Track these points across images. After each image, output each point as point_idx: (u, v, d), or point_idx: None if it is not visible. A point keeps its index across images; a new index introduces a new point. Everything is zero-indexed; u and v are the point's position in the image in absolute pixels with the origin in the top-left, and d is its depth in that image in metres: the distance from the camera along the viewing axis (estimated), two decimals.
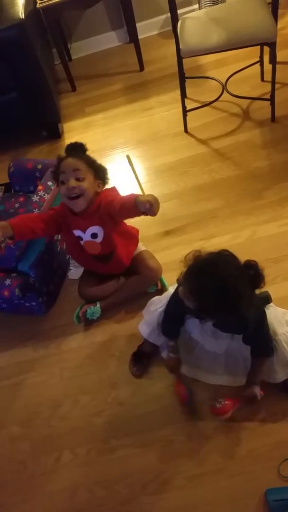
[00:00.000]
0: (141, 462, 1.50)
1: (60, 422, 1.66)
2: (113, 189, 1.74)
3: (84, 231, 1.72)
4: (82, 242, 1.76)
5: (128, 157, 1.63)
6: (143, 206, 1.41)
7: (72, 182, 1.60)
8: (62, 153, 1.72)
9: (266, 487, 1.35)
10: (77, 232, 1.74)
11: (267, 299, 1.42)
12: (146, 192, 1.55)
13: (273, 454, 1.41)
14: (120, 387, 1.68)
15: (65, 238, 1.86)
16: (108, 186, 1.76)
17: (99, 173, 1.70)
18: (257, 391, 1.42)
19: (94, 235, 1.72)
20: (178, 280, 1.34)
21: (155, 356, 1.69)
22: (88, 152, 1.75)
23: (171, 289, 1.58)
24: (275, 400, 1.49)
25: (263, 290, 1.35)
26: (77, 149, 1.70)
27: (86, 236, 1.73)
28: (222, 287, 1.17)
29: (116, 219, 1.68)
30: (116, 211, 1.60)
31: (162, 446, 1.51)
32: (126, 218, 1.76)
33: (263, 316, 1.37)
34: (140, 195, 1.49)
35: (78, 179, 1.61)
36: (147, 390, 1.64)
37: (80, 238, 1.75)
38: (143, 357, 1.69)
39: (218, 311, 1.24)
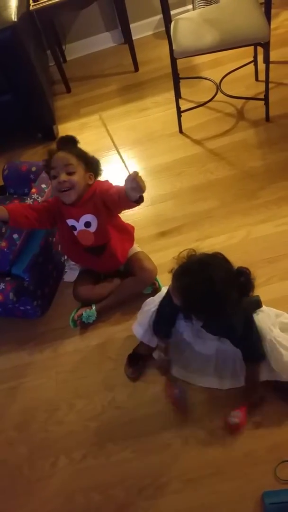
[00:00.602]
0: (138, 466, 1.49)
1: (57, 426, 1.65)
2: (106, 181, 1.76)
3: (77, 220, 1.72)
4: (76, 233, 1.76)
5: (100, 115, 1.65)
6: (131, 186, 1.43)
7: (63, 177, 1.62)
8: None
9: (263, 490, 1.34)
10: (70, 222, 1.74)
11: (257, 303, 1.42)
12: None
13: (269, 456, 1.40)
14: (116, 390, 1.67)
15: (59, 229, 1.85)
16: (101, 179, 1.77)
17: (91, 165, 1.70)
18: (260, 392, 1.41)
19: (87, 224, 1.72)
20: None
21: (150, 359, 1.68)
22: None
23: (164, 289, 1.58)
24: (271, 403, 1.48)
25: (256, 294, 1.34)
26: (68, 142, 1.69)
27: (80, 225, 1.73)
28: (209, 288, 1.17)
29: (111, 208, 1.69)
30: (113, 200, 1.61)
31: (159, 450, 1.50)
32: (122, 209, 1.74)
33: (250, 321, 1.37)
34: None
35: (69, 173, 1.63)
36: (144, 394, 1.63)
37: (73, 228, 1.74)
38: (138, 359, 1.68)
39: (202, 312, 1.25)
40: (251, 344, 1.37)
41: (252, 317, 1.36)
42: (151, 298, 1.66)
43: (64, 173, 1.62)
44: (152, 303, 1.60)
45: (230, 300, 1.20)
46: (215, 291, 1.17)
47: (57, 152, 1.65)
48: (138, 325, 1.63)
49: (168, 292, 1.45)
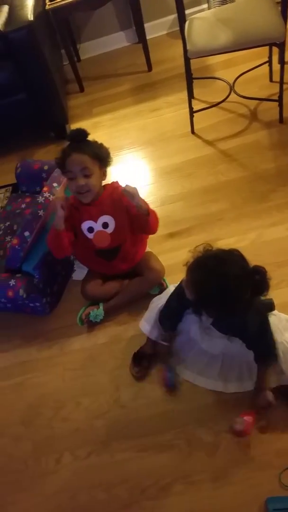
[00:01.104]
0: (141, 466, 1.49)
1: (62, 423, 1.66)
2: (117, 182, 1.80)
3: (96, 220, 1.74)
4: (92, 235, 1.76)
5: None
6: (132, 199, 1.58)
7: (81, 181, 1.63)
8: None
9: (267, 495, 1.33)
10: (88, 224, 1.74)
11: (271, 306, 1.40)
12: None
13: (274, 462, 1.39)
14: (122, 389, 1.68)
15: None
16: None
17: (104, 160, 1.69)
18: (270, 396, 1.39)
19: (105, 225, 1.74)
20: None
21: (156, 358, 1.69)
22: None
23: (171, 287, 1.59)
24: (278, 408, 1.46)
25: (268, 297, 1.33)
26: (80, 138, 1.65)
27: (98, 226, 1.74)
28: (223, 285, 1.17)
29: (133, 220, 1.74)
30: (133, 212, 1.68)
31: (163, 451, 1.50)
32: (140, 225, 1.75)
33: (266, 321, 1.35)
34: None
35: (86, 176, 1.63)
36: (149, 394, 1.64)
37: (90, 229, 1.75)
38: (143, 358, 1.68)
39: (214, 308, 1.25)
40: (266, 344, 1.35)
41: (267, 317, 1.35)
42: (158, 296, 1.68)
43: (81, 177, 1.62)
44: (158, 300, 1.62)
45: (243, 298, 1.20)
46: (229, 287, 1.16)
47: (72, 153, 1.61)
48: (145, 321, 1.65)
49: (178, 286, 1.47)
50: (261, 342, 1.35)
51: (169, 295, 1.57)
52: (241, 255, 1.25)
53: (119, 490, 1.46)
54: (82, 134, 1.64)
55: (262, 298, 1.33)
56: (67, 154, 1.63)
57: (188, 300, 1.33)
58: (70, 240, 1.74)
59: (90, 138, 1.67)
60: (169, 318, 1.54)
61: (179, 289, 1.48)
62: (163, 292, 1.68)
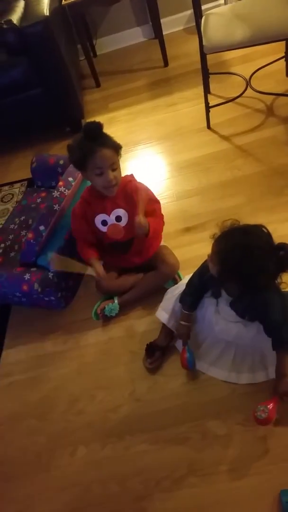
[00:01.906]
0: (155, 459, 1.49)
1: (76, 416, 1.67)
2: (132, 176, 1.82)
3: (109, 214, 1.76)
4: (105, 228, 1.78)
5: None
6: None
7: (111, 175, 1.65)
8: None
9: (281, 487, 1.32)
10: (101, 217, 1.77)
11: None
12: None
13: None
14: (137, 383, 1.68)
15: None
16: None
17: (119, 152, 1.70)
18: None
19: (118, 218, 1.76)
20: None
21: (168, 351, 1.69)
22: None
23: (186, 277, 1.60)
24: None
25: None
26: (98, 132, 1.61)
27: (111, 219, 1.76)
28: (247, 253, 1.19)
29: None
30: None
31: (177, 444, 1.50)
32: None
33: (286, 304, 1.35)
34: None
35: (113, 170, 1.65)
36: (163, 387, 1.64)
37: (104, 222, 1.77)
38: (156, 350, 1.69)
39: (237, 281, 1.27)
40: (286, 331, 1.34)
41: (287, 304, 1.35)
42: (175, 285, 1.70)
43: (110, 171, 1.64)
44: (175, 289, 1.63)
45: (266, 271, 1.21)
46: (252, 257, 1.18)
47: (99, 149, 1.59)
48: (163, 310, 1.65)
49: (201, 266, 1.50)
50: (281, 325, 1.34)
51: (185, 284, 1.57)
52: (267, 231, 1.27)
53: (132, 483, 1.46)
54: (98, 127, 1.61)
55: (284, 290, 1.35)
56: (92, 150, 1.59)
57: (209, 279, 1.38)
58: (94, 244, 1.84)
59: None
60: (191, 294, 1.54)
61: (201, 268, 1.51)
62: (179, 282, 1.69)
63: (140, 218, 1.64)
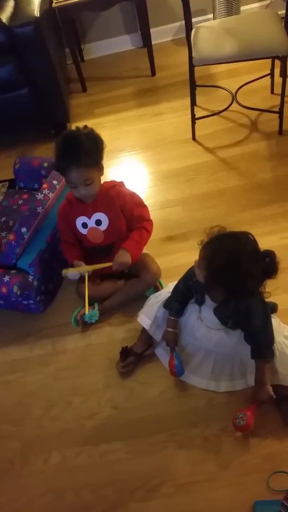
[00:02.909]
0: (131, 467, 1.49)
1: (52, 422, 1.64)
2: (122, 183, 1.81)
3: (89, 217, 1.75)
4: (85, 231, 1.78)
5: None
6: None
7: (83, 191, 1.64)
8: None
9: (255, 499, 1.34)
10: (81, 219, 1.76)
11: (273, 307, 1.43)
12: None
13: (263, 466, 1.40)
14: (114, 390, 1.67)
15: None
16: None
17: (100, 161, 1.66)
18: (271, 390, 1.39)
19: (98, 222, 1.75)
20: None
21: (145, 359, 1.70)
22: None
23: (170, 285, 1.62)
24: (268, 411, 1.49)
25: (272, 300, 1.40)
26: (74, 146, 1.56)
27: (91, 223, 1.76)
28: (234, 259, 1.21)
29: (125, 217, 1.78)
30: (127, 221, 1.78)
31: (152, 453, 1.50)
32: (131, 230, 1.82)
33: (268, 313, 1.39)
34: (123, 252, 1.72)
35: (87, 185, 1.63)
36: (141, 395, 1.64)
37: (84, 225, 1.77)
38: (130, 355, 1.68)
39: (223, 286, 1.28)
40: (266, 337, 1.37)
41: (270, 312, 1.38)
42: (158, 292, 1.70)
43: (83, 186, 1.63)
44: (159, 296, 1.64)
45: (253, 277, 1.24)
46: (239, 262, 1.21)
47: (71, 167, 1.57)
48: (145, 315, 1.65)
49: (187, 272, 1.51)
50: (263, 333, 1.37)
51: (168, 292, 1.59)
52: (253, 238, 1.30)
53: (107, 491, 1.45)
54: (75, 141, 1.57)
55: (266, 300, 1.39)
56: (65, 168, 1.59)
57: (194, 285, 1.40)
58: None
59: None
60: (177, 300, 1.56)
61: (187, 274, 1.52)
62: (163, 289, 1.71)
63: (122, 257, 1.70)
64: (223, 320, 1.43)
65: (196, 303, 1.51)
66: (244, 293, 1.30)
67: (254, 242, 1.29)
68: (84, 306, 1.74)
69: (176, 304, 1.55)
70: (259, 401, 1.41)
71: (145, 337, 1.70)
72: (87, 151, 1.57)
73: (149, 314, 1.64)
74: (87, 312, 1.75)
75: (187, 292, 1.51)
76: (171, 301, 1.57)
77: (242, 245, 1.25)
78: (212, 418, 1.53)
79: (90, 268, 1.76)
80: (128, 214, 1.77)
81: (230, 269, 1.23)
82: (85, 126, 1.64)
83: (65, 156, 1.58)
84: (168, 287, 1.65)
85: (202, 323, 1.50)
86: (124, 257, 1.70)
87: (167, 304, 1.58)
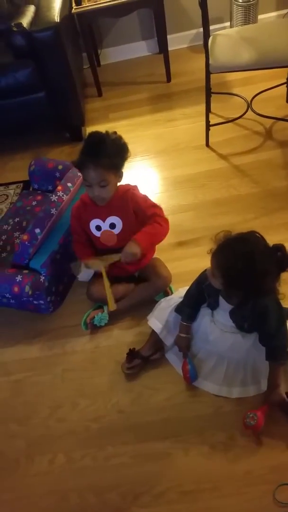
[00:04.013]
0: (136, 472, 1.48)
1: (58, 423, 1.64)
2: (136, 187, 1.81)
3: (103, 220, 1.76)
4: (98, 233, 1.78)
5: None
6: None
7: (96, 191, 1.65)
8: None
9: (260, 510, 1.32)
10: (95, 222, 1.77)
11: (286, 313, 1.42)
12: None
13: (270, 477, 1.38)
14: (121, 394, 1.67)
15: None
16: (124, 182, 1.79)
17: (120, 167, 1.68)
18: (283, 393, 1.39)
19: (112, 225, 1.76)
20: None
21: (150, 362, 1.69)
22: None
23: (181, 290, 1.62)
24: (276, 423, 1.47)
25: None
26: (98, 146, 1.60)
27: (105, 226, 1.77)
28: (249, 260, 1.20)
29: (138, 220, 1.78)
30: (139, 219, 1.75)
31: (158, 459, 1.49)
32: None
33: (284, 314, 1.38)
34: (132, 243, 1.68)
35: (102, 186, 1.64)
36: (148, 400, 1.63)
37: (98, 228, 1.78)
38: (135, 357, 1.67)
39: (242, 289, 1.27)
40: (281, 338, 1.37)
41: (285, 315, 1.37)
42: (169, 296, 1.70)
43: (97, 187, 1.64)
44: (170, 300, 1.64)
45: (269, 274, 1.23)
46: (255, 263, 1.20)
47: (89, 165, 1.59)
48: (156, 319, 1.65)
49: (199, 276, 1.51)
50: (278, 333, 1.37)
51: (179, 296, 1.58)
52: (261, 235, 1.30)
53: (111, 495, 1.45)
54: (99, 141, 1.61)
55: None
56: (83, 165, 1.61)
57: (207, 287, 1.39)
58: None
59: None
60: (189, 305, 1.55)
61: (199, 278, 1.52)
62: (175, 293, 1.71)
63: (132, 248, 1.66)
64: (239, 323, 1.42)
65: (208, 307, 1.50)
66: (262, 292, 1.29)
67: (262, 240, 1.29)
68: (107, 301, 1.76)
69: (189, 309, 1.55)
70: (271, 403, 1.40)
71: (154, 341, 1.69)
72: (108, 154, 1.60)
73: (160, 318, 1.64)
74: (110, 306, 1.76)
75: (199, 296, 1.51)
76: (183, 306, 1.57)
77: (253, 245, 1.25)
78: (219, 426, 1.51)
79: (104, 263, 1.77)
80: (142, 215, 1.76)
81: (247, 272, 1.22)
82: (114, 132, 1.66)
83: (86, 153, 1.61)
84: (179, 292, 1.65)
85: (215, 326, 1.49)
86: (133, 248, 1.67)
87: (179, 309, 1.58)
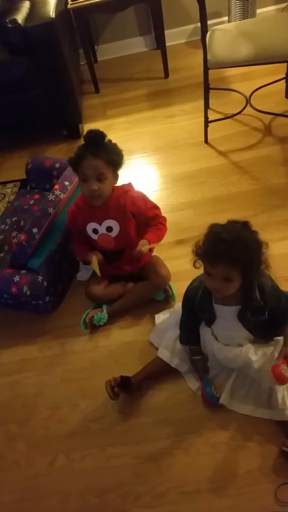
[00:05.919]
0: (136, 473, 1.47)
1: (58, 424, 1.64)
2: (140, 196, 1.78)
3: (100, 223, 1.74)
4: (96, 236, 1.77)
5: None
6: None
7: (94, 185, 1.62)
8: None
9: (262, 510, 1.32)
10: (92, 225, 1.75)
11: None
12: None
13: (271, 477, 1.38)
14: (121, 394, 1.65)
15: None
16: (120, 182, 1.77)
17: (118, 165, 1.67)
18: None
19: (109, 229, 1.74)
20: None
21: (140, 389, 1.63)
22: None
23: (177, 306, 1.61)
24: (276, 423, 1.46)
25: None
26: (97, 141, 1.61)
27: (102, 229, 1.74)
28: (241, 243, 1.20)
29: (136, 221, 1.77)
30: (139, 222, 1.76)
31: (159, 459, 1.48)
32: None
33: (280, 290, 1.39)
34: (146, 242, 1.71)
35: (99, 180, 1.62)
36: (148, 400, 1.62)
37: (95, 231, 1.76)
38: (127, 388, 1.58)
39: (245, 256, 1.22)
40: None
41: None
42: (165, 319, 1.73)
43: (94, 180, 1.61)
44: (169, 325, 1.65)
45: (260, 244, 1.26)
46: (246, 242, 1.21)
47: (88, 156, 1.58)
48: (164, 349, 1.62)
49: (183, 299, 1.50)
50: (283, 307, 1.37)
51: (175, 312, 1.59)
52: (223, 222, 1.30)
53: (112, 496, 1.44)
54: (99, 137, 1.61)
55: None
56: (82, 156, 1.60)
57: (199, 303, 1.39)
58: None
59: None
60: (187, 332, 1.55)
61: (186, 297, 1.50)
62: (170, 311, 1.74)
63: (143, 247, 1.68)
64: (247, 324, 1.39)
65: (206, 324, 1.49)
66: (259, 269, 1.28)
67: (229, 222, 1.29)
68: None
69: (190, 335, 1.55)
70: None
71: (152, 370, 1.63)
72: (107, 149, 1.61)
73: (167, 346, 1.61)
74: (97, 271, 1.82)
75: (193, 318, 1.49)
76: (184, 335, 1.56)
77: (231, 229, 1.24)
78: (219, 426, 1.50)
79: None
80: (143, 217, 1.75)
81: (247, 254, 1.21)
82: (109, 141, 1.66)
83: (85, 146, 1.62)
84: (174, 309, 1.65)
85: (216, 342, 1.48)
86: (146, 246, 1.70)
87: (181, 339, 1.57)
